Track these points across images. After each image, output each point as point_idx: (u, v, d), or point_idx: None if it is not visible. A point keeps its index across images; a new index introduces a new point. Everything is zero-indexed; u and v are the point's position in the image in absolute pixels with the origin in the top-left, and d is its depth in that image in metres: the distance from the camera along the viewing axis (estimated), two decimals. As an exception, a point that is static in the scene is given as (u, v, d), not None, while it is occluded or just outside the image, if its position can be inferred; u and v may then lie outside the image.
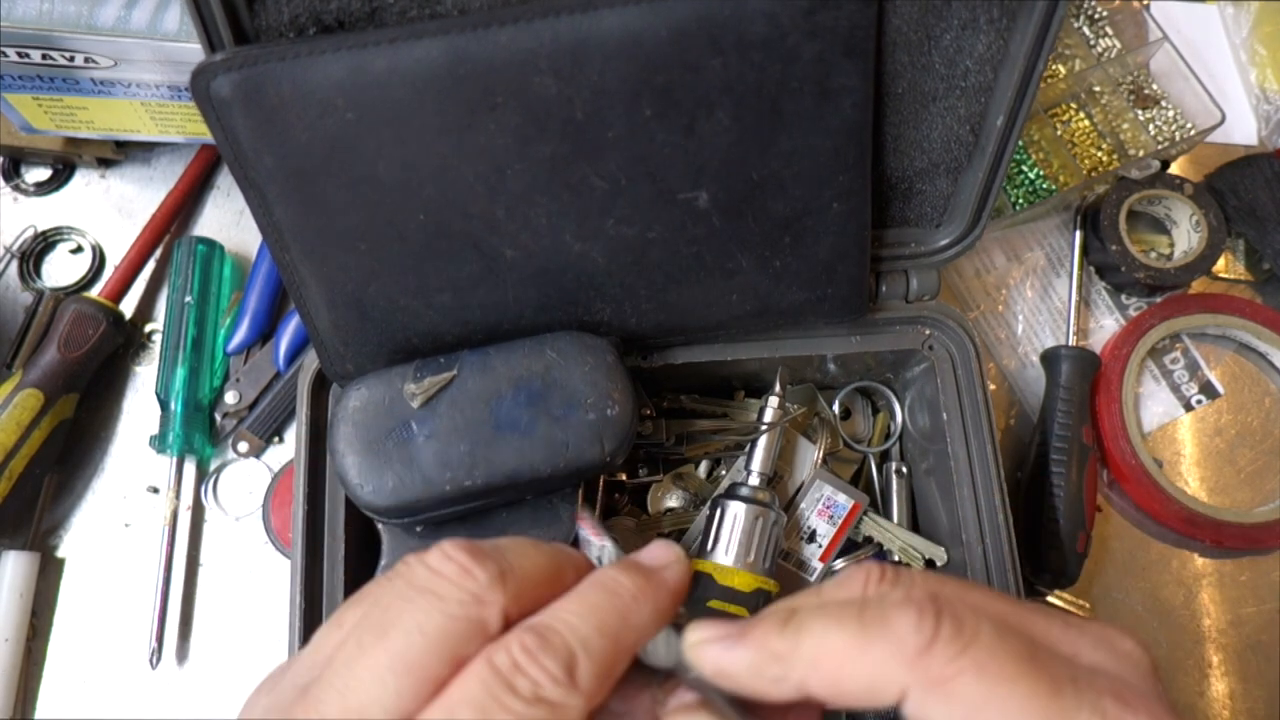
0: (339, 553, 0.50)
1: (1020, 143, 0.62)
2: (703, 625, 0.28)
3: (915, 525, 0.61)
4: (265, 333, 0.66)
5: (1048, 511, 0.62)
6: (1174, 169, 0.74)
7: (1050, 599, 0.64)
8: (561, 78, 0.40)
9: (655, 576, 0.29)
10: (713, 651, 0.27)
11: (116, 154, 0.71)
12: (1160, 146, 0.71)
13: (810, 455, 0.60)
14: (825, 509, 0.58)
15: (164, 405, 0.63)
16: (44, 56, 0.56)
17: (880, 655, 0.24)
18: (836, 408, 0.63)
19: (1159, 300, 0.71)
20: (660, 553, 0.31)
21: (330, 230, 0.44)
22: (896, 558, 0.59)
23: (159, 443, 0.63)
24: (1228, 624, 0.65)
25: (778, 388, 0.56)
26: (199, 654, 0.61)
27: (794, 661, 0.26)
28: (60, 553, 0.63)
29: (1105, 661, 0.26)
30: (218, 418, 0.65)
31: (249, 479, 0.65)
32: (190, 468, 0.64)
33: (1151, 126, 0.72)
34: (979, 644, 0.24)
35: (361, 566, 0.51)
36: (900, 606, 0.25)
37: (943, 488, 0.56)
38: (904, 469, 0.62)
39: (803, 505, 0.58)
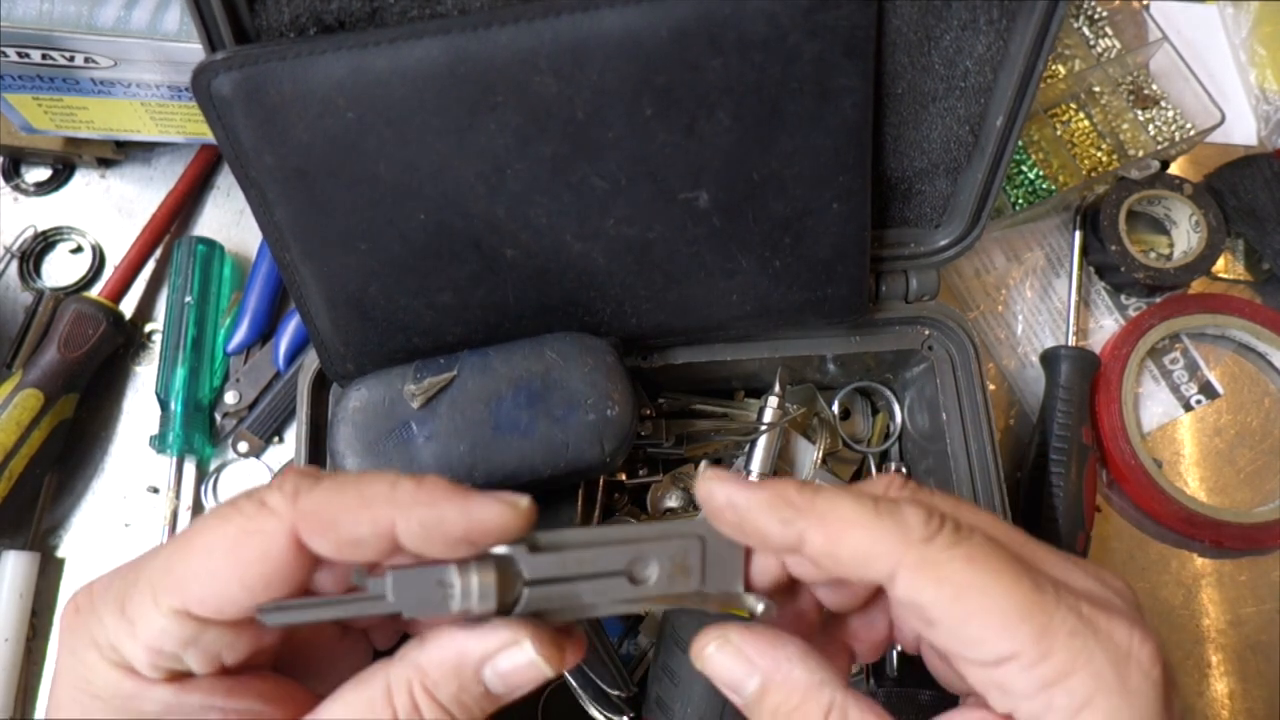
0: (339, 552, 0.50)
1: (1020, 143, 0.62)
2: (717, 470, 0.31)
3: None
4: (265, 333, 0.66)
5: (1047, 512, 0.62)
6: (1174, 169, 0.74)
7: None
8: (562, 77, 0.40)
9: (460, 496, 0.28)
10: (726, 485, 0.30)
11: (116, 154, 0.71)
12: (1160, 147, 0.71)
13: (810, 455, 0.60)
14: (825, 509, 0.58)
15: (164, 405, 0.63)
16: (44, 56, 0.56)
17: (884, 533, 0.27)
18: (836, 408, 0.63)
19: (1158, 300, 0.71)
20: (504, 494, 0.29)
21: (331, 230, 0.44)
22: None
23: (159, 443, 0.63)
24: (1227, 624, 0.65)
25: (777, 388, 0.56)
26: (199, 654, 0.61)
27: (804, 511, 0.28)
28: (60, 553, 0.63)
29: (1092, 586, 0.29)
30: (218, 418, 0.65)
31: (249, 479, 0.65)
32: (190, 468, 0.64)
33: (1151, 127, 0.72)
34: (972, 542, 0.27)
35: (361, 566, 0.51)
36: (912, 504, 0.28)
37: (942, 488, 0.56)
38: (903, 469, 0.62)
39: (803, 505, 0.58)
